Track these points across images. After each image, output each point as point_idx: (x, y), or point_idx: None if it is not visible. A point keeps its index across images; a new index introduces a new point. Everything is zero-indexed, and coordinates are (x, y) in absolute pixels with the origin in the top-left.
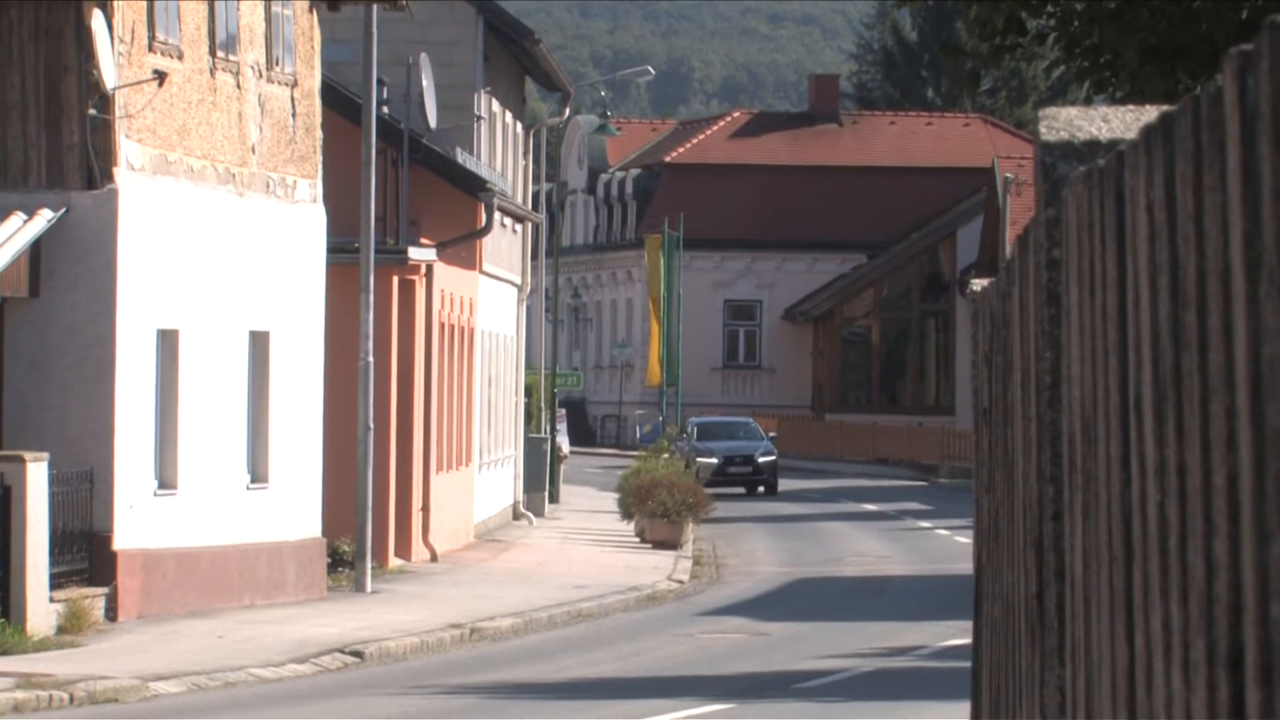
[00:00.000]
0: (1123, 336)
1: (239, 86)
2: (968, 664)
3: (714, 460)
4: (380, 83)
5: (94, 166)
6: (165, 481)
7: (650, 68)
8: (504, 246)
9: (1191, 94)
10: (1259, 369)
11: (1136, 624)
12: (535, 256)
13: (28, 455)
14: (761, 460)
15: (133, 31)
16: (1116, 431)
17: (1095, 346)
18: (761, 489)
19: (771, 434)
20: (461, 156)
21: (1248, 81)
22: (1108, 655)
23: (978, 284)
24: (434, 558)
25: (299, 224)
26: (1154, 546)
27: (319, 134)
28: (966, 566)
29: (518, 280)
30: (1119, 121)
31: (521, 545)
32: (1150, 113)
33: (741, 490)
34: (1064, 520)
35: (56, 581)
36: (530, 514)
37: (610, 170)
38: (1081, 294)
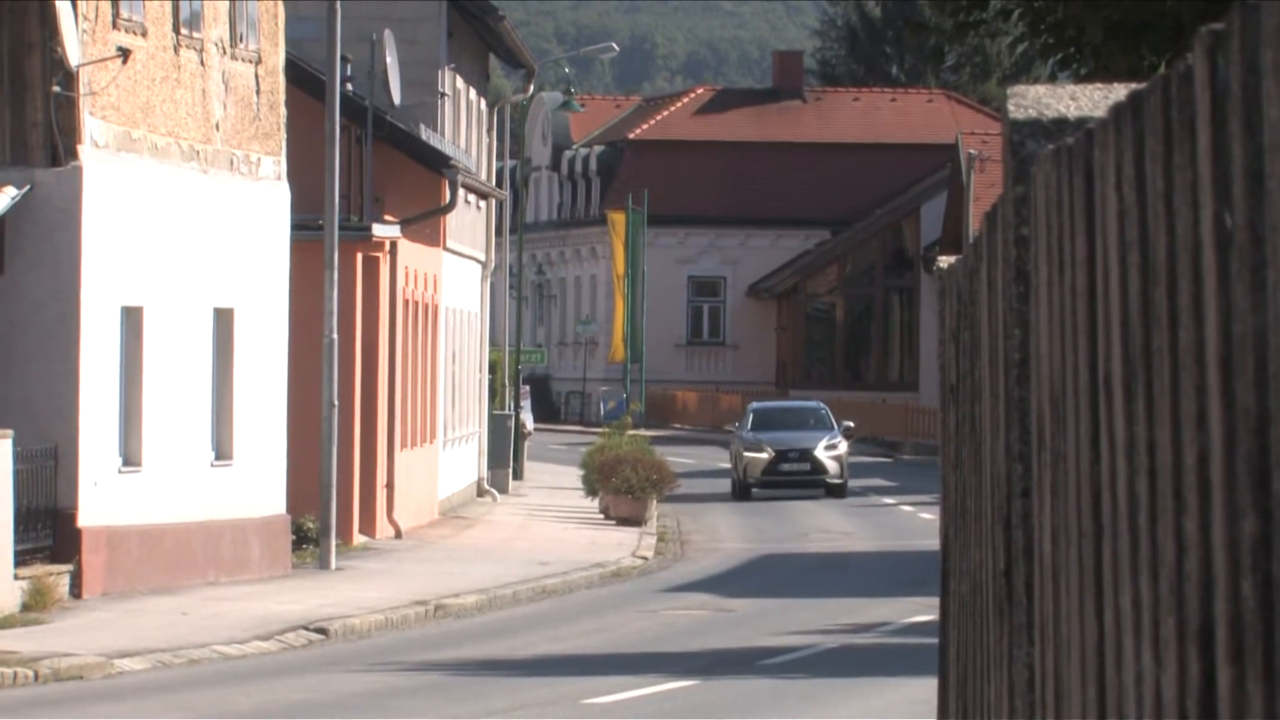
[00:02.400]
0: (1092, 314)
1: (203, 64)
2: (931, 640)
3: (763, 455)
4: (344, 59)
5: (58, 144)
6: (129, 459)
7: (614, 44)
8: (468, 223)
9: (1161, 72)
10: (1229, 347)
11: (1106, 601)
12: (499, 233)
13: None
14: (823, 455)
15: (96, 9)
16: (1086, 409)
17: (1064, 324)
18: (824, 491)
19: (848, 422)
20: (425, 133)
21: (1218, 60)
22: (1077, 632)
23: (944, 261)
24: (398, 535)
25: (263, 201)
26: (1124, 524)
27: (283, 111)
28: (930, 543)
29: (482, 257)
30: (1087, 99)
31: (486, 522)
32: (1119, 91)
33: (798, 493)
34: (1033, 497)
35: (21, 559)
36: (494, 491)
37: (574, 147)
38: (1050, 272)
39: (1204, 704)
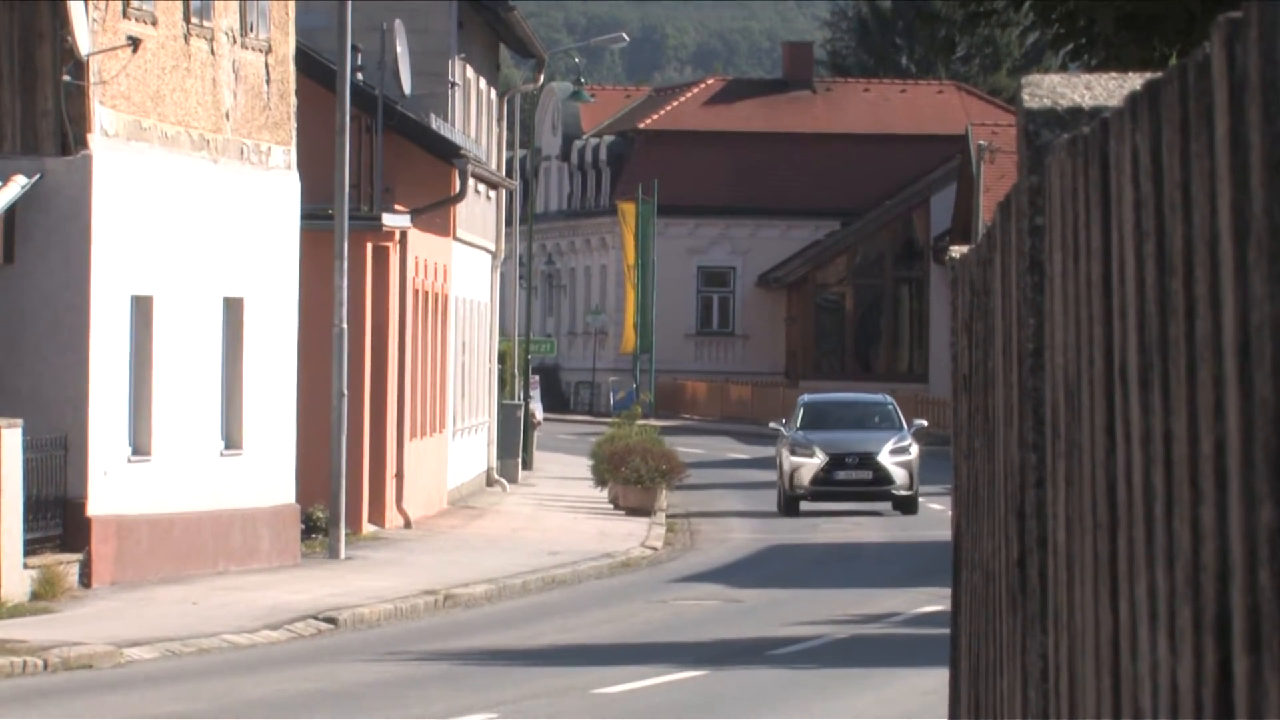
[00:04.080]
0: (1107, 304)
1: (213, 53)
2: (941, 631)
3: (814, 460)
4: (354, 49)
5: (68, 133)
6: (139, 448)
7: (624, 34)
8: (478, 213)
9: (1176, 62)
10: (1247, 336)
11: (1121, 591)
12: (509, 223)
13: (1, 422)
14: (889, 461)
15: None
16: (1101, 399)
17: (1079, 314)
18: (891, 504)
19: (920, 420)
20: (436, 123)
21: (1236, 49)
22: (1091, 622)
23: (957, 251)
24: (408, 524)
25: (273, 190)
26: (1139, 513)
27: (293, 100)
28: (940, 533)
29: (491, 247)
30: (1102, 89)
31: (495, 512)
32: (1134, 80)
33: (858, 508)
34: (1046, 487)
35: (30, 548)
36: (504, 480)
37: (584, 137)
38: (1065, 261)
39: (1220, 694)
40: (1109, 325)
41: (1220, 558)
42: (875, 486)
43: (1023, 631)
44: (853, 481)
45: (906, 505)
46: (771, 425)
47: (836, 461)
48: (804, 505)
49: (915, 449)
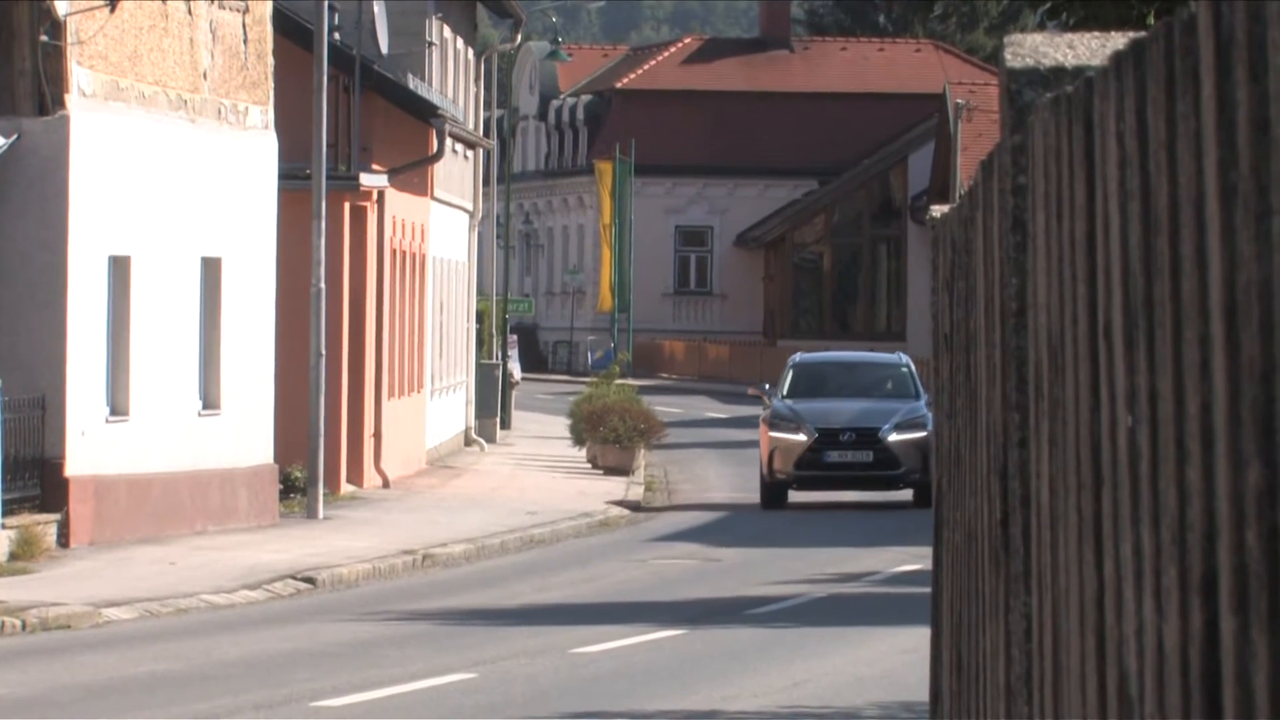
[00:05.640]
0: (1092, 263)
1: (190, 13)
2: (920, 589)
3: (799, 438)
4: (331, 9)
5: (45, 93)
6: (117, 408)
7: None
8: (455, 173)
9: (1164, 20)
10: (1233, 296)
11: (1106, 551)
12: (487, 183)
13: None
14: (895, 439)
15: None
16: (1085, 358)
17: (1063, 273)
18: (906, 491)
19: None
20: (413, 83)
21: (1222, 8)
22: (1075, 582)
23: (937, 210)
24: (386, 484)
25: (251, 151)
26: (1124, 473)
27: (270, 60)
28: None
29: (469, 206)
30: (1085, 48)
31: (473, 471)
32: (1118, 39)
33: (860, 498)
34: (1030, 447)
35: (8, 508)
36: (482, 440)
37: (561, 96)
38: (1048, 220)
39: (1207, 654)
40: (1093, 284)
41: (1207, 517)
42: (877, 471)
43: (1005, 591)
44: (848, 465)
45: (923, 493)
46: (750, 391)
47: (828, 439)
48: (793, 495)
49: (927, 424)
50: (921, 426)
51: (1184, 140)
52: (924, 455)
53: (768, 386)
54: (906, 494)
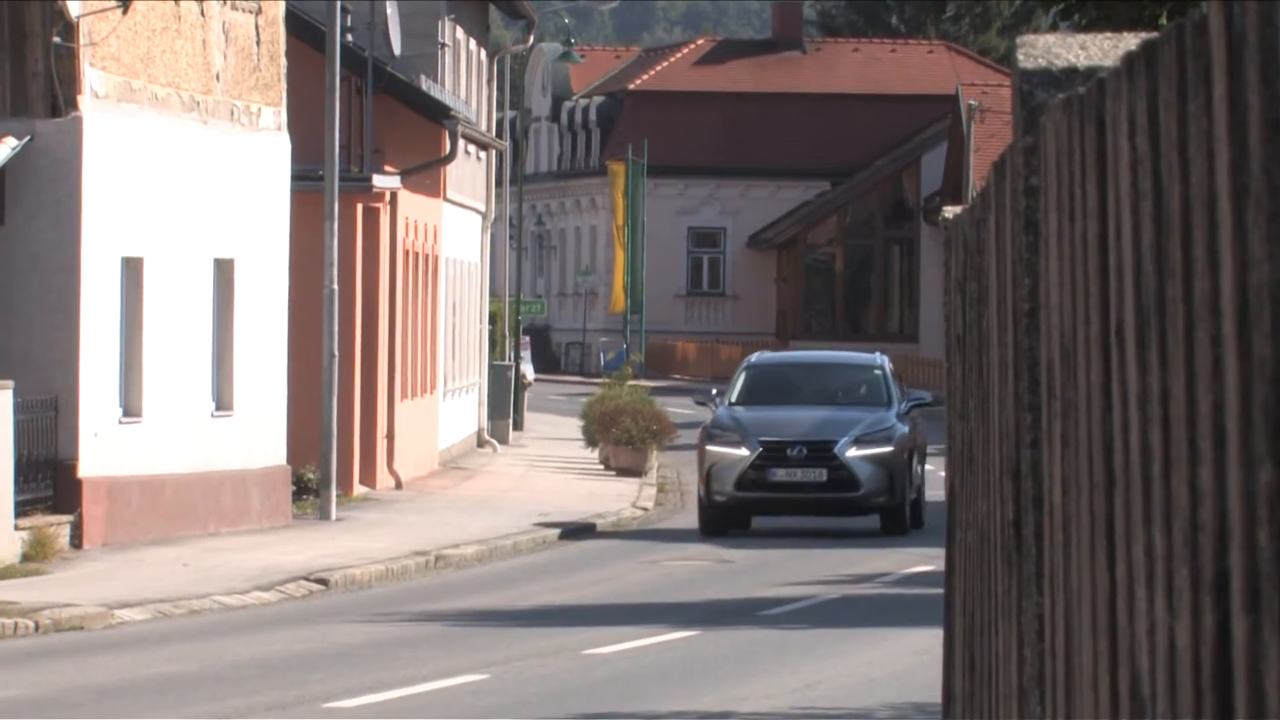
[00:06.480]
0: (1104, 264)
1: (203, 14)
2: (932, 590)
3: (740, 453)
4: (344, 10)
5: (58, 94)
6: (130, 409)
7: None
8: (468, 174)
9: (1176, 22)
10: (1246, 296)
11: (1118, 551)
12: (499, 184)
13: None
14: (854, 455)
15: None
16: (1097, 359)
17: (1075, 274)
18: (876, 520)
19: (921, 393)
20: (425, 84)
21: (1234, 9)
22: (1088, 582)
23: (950, 211)
24: (398, 485)
25: (263, 152)
26: (1136, 473)
27: (283, 62)
28: (931, 493)
29: (482, 208)
30: (1097, 49)
31: (486, 473)
32: (1130, 40)
33: (823, 524)
34: (1042, 447)
35: (21, 509)
36: (494, 441)
37: (574, 98)
38: (1061, 221)
39: (1218, 654)
40: (1105, 285)
41: (1219, 518)
42: (832, 493)
43: (1018, 591)
44: (797, 485)
45: (891, 519)
46: (696, 400)
47: (774, 454)
48: (733, 521)
49: (901, 433)
50: (887, 440)
51: (1196, 141)
52: (890, 475)
53: (715, 392)
54: (873, 520)
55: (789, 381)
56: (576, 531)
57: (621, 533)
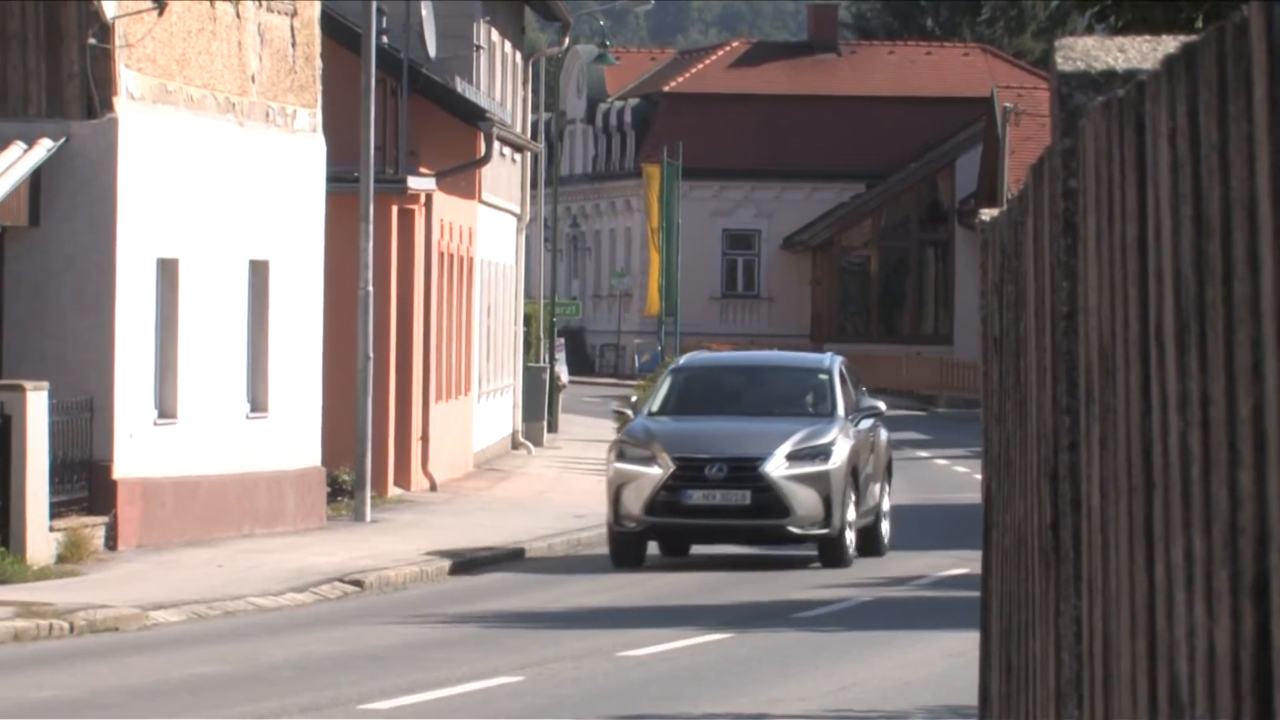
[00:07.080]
0: (1143, 267)
1: (238, 15)
2: (967, 593)
3: (652, 471)
4: (380, 12)
5: (94, 95)
6: (165, 410)
7: None
8: (503, 176)
9: (1216, 25)
10: None
11: (1157, 554)
12: (534, 186)
13: (27, 384)
14: (784, 474)
15: None
16: (1136, 362)
17: (1114, 277)
18: (818, 548)
19: (874, 402)
20: (461, 86)
21: (1274, 11)
22: (1126, 586)
23: (987, 213)
24: (433, 487)
25: (298, 153)
26: (1175, 477)
27: (318, 63)
28: (965, 496)
29: (517, 210)
30: (1136, 52)
31: (520, 474)
32: (1168, 43)
33: (758, 554)
34: (1080, 450)
35: (56, 510)
36: (529, 443)
37: (609, 100)
38: (1099, 224)
39: (1258, 657)
40: (1144, 288)
41: (1259, 521)
42: (756, 519)
43: (1056, 594)
44: (716, 509)
45: (829, 552)
46: (615, 409)
47: (690, 473)
48: (652, 547)
49: (846, 446)
50: (825, 457)
51: (1236, 143)
52: (826, 498)
53: (633, 399)
54: (811, 548)
55: (721, 388)
56: None
57: None
